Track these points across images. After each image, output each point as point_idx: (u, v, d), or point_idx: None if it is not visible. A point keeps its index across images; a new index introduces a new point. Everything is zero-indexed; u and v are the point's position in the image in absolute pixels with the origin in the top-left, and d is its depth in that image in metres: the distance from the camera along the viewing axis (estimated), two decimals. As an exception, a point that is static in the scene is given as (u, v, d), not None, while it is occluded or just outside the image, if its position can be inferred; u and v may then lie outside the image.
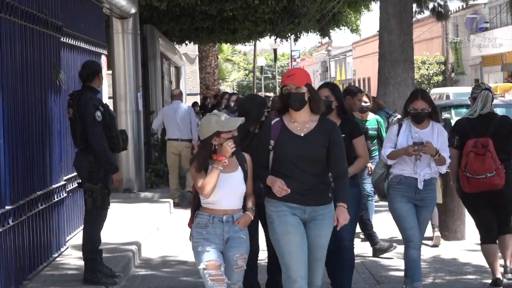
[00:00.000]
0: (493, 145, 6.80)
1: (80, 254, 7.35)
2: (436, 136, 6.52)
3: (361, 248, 8.70)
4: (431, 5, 14.28)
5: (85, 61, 7.68)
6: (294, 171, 5.23)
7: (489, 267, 7.11)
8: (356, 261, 6.84)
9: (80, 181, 7.28)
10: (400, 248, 7.46)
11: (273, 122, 5.37)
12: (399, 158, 6.55)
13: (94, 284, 6.93)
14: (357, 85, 59.67)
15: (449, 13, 15.17)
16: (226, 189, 5.19)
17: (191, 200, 5.52)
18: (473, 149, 6.78)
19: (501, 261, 7.11)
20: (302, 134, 5.29)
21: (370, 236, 8.58)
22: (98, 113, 6.91)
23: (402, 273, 7.03)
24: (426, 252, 8.51)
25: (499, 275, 6.96)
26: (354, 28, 20.32)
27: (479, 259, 7.73)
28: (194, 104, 21.86)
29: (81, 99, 6.95)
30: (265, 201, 5.39)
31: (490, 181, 6.79)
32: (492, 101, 6.98)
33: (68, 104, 7.16)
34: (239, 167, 5.31)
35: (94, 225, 7.05)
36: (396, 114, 10.25)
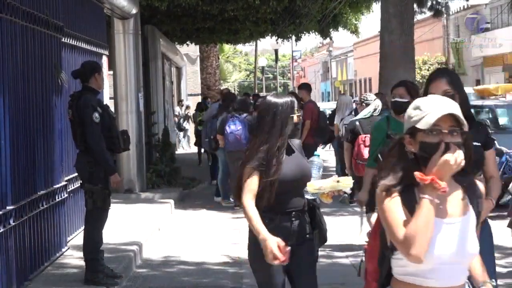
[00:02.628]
0: None
1: (81, 254, 7.36)
2: None
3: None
4: (429, 3, 14.29)
5: (83, 62, 7.71)
6: None
7: None
8: None
9: (81, 181, 7.30)
10: None
11: None
12: None
13: (95, 284, 6.94)
14: (357, 85, 59.82)
15: (448, 10, 15.13)
16: (449, 248, 2.78)
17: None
18: (362, 142, 8.28)
19: None
20: None
21: None
22: (96, 114, 6.91)
23: None
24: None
25: None
26: (353, 29, 20.29)
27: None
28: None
29: (80, 100, 6.97)
30: None
31: None
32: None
33: (68, 105, 7.19)
34: (470, 206, 2.91)
35: (95, 226, 7.06)
36: None
